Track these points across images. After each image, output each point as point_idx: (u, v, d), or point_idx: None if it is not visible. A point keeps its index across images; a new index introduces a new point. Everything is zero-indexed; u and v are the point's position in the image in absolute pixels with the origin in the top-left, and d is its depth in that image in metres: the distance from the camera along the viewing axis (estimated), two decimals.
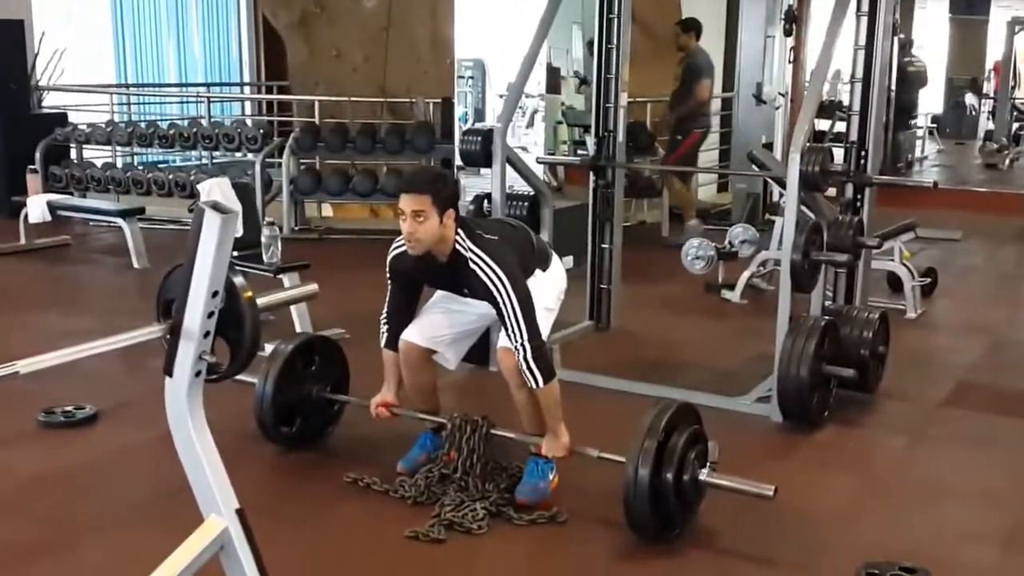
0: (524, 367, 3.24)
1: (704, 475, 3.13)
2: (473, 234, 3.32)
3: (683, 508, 3.15)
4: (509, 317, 3.22)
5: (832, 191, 4.73)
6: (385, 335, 3.57)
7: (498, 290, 3.23)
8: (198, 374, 2.28)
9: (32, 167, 8.24)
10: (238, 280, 2.33)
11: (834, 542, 3.27)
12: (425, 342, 3.54)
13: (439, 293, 3.62)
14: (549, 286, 3.56)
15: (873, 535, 3.33)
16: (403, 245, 3.36)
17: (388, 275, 3.52)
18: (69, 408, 4.18)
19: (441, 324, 3.57)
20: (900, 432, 4.28)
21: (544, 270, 3.58)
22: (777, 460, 3.96)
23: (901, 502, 3.64)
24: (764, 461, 3.92)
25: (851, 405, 4.40)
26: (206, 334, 2.24)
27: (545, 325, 3.42)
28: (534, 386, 3.26)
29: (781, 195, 6.23)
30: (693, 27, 8.22)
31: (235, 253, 2.41)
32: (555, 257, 3.72)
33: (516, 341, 3.23)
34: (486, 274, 3.24)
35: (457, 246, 3.28)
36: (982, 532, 3.41)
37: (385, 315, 3.57)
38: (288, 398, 3.77)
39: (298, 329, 5.11)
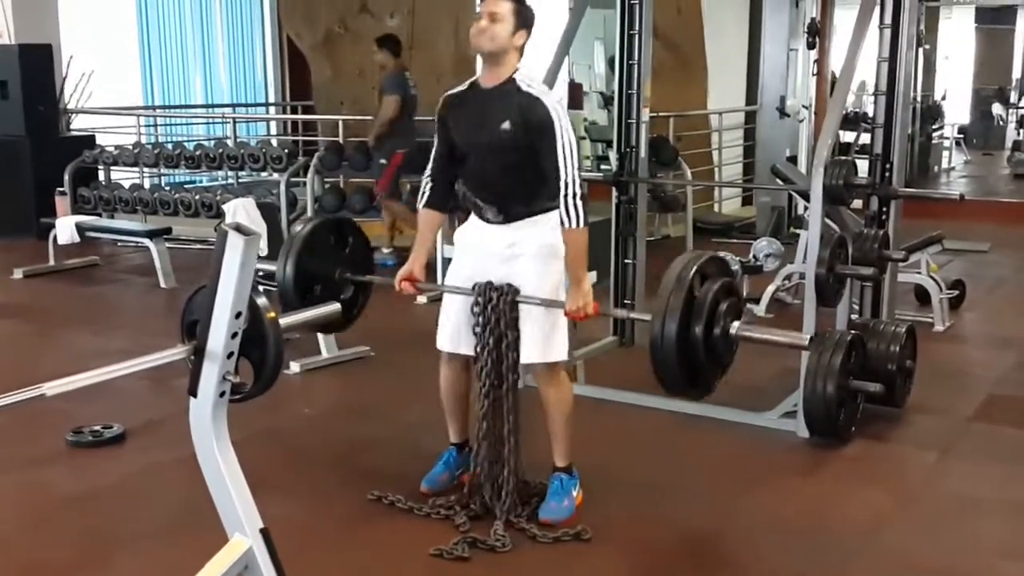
0: (567, 203, 3.18)
1: (735, 329, 2.94)
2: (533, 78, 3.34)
3: (714, 364, 2.99)
4: (563, 148, 3.18)
5: (858, 203, 4.71)
6: (426, 194, 3.49)
7: (558, 117, 3.19)
8: (222, 394, 2.29)
9: (61, 189, 8.34)
10: (261, 301, 2.35)
11: (864, 558, 3.24)
12: (460, 349, 3.45)
13: (447, 297, 3.54)
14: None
15: (903, 551, 3.29)
16: (458, 87, 3.39)
17: (436, 124, 3.47)
18: (97, 428, 4.21)
19: (462, 323, 3.45)
20: (929, 447, 4.24)
21: None
22: (804, 476, 3.93)
23: (931, 518, 3.60)
24: (791, 477, 3.90)
25: (879, 420, 4.36)
26: (230, 355, 2.26)
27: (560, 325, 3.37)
28: (569, 224, 3.20)
29: (806, 208, 6.21)
30: (386, 44, 7.90)
31: (260, 272, 2.42)
32: None
33: (565, 175, 3.18)
34: (548, 100, 3.22)
35: (517, 74, 3.27)
36: (1015, 548, 3.36)
37: (429, 173, 3.50)
38: (310, 278, 3.55)
39: (322, 348, 5.14)
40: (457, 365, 3.53)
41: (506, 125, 3.24)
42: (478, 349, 3.37)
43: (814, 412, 4.08)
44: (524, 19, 3.27)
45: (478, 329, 3.35)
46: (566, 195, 3.19)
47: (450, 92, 3.45)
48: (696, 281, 2.93)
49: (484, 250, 3.39)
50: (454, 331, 3.47)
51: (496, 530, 3.28)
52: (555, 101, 3.24)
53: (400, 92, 7.65)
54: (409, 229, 7.76)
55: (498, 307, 3.30)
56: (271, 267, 3.50)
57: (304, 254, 3.51)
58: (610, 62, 7.18)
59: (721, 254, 6.43)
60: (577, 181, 3.20)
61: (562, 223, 3.22)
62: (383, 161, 7.80)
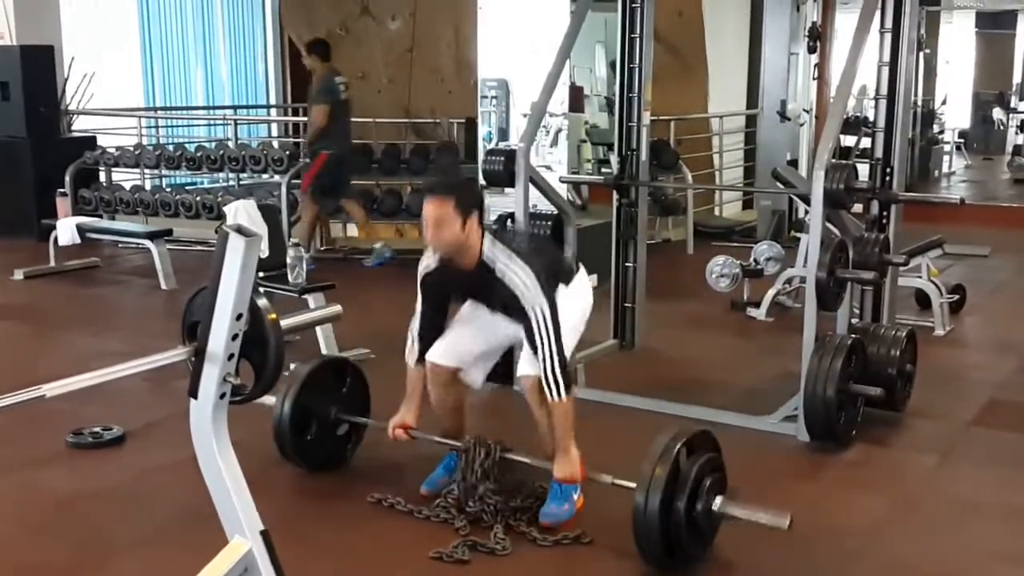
0: (546, 377, 3.23)
1: (718, 505, 3.04)
2: (501, 242, 3.32)
3: (695, 538, 3.06)
4: (537, 327, 3.22)
5: (858, 207, 4.70)
6: (415, 352, 3.55)
7: (525, 297, 3.22)
8: (222, 396, 2.29)
9: (62, 190, 8.34)
10: (262, 302, 2.35)
11: (864, 562, 3.23)
12: (451, 361, 3.53)
13: (465, 310, 3.61)
14: (574, 303, 3.53)
15: (903, 556, 3.29)
16: (431, 264, 3.39)
17: (419, 288, 3.51)
18: (97, 429, 4.21)
19: (467, 342, 3.56)
20: (929, 451, 4.23)
21: (567, 284, 3.54)
22: (804, 480, 3.93)
23: (931, 522, 3.60)
24: (791, 481, 3.90)
25: (879, 424, 4.36)
26: (230, 356, 2.26)
27: (569, 344, 3.40)
28: (553, 398, 3.25)
29: (806, 212, 6.21)
30: (315, 49, 7.90)
31: (260, 274, 2.42)
32: (582, 272, 3.67)
33: (542, 351, 3.22)
34: (512, 281, 3.24)
35: (484, 255, 3.28)
36: (1015, 552, 3.35)
37: (415, 331, 3.55)
38: (307, 420, 3.76)
39: (323, 349, 5.13)
40: (444, 378, 3.55)
41: (493, 303, 3.38)
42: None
43: (814, 416, 4.07)
44: (469, 204, 3.24)
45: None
46: (545, 370, 3.23)
47: (426, 271, 3.46)
48: (682, 454, 3.02)
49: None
50: (450, 347, 3.52)
51: (496, 533, 3.28)
52: (524, 282, 3.23)
53: (328, 99, 7.67)
54: (362, 231, 7.97)
55: (486, 463, 3.42)
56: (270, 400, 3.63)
57: (303, 392, 3.71)
58: (612, 65, 7.16)
59: (721, 259, 6.44)
60: (556, 356, 3.23)
61: (545, 395, 3.27)
62: (307, 160, 7.87)
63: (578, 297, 3.58)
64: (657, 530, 2.97)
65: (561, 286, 3.48)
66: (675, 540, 3.01)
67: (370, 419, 3.85)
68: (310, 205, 7.82)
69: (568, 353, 3.36)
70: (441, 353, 3.53)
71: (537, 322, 3.22)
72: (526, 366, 3.36)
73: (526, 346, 3.34)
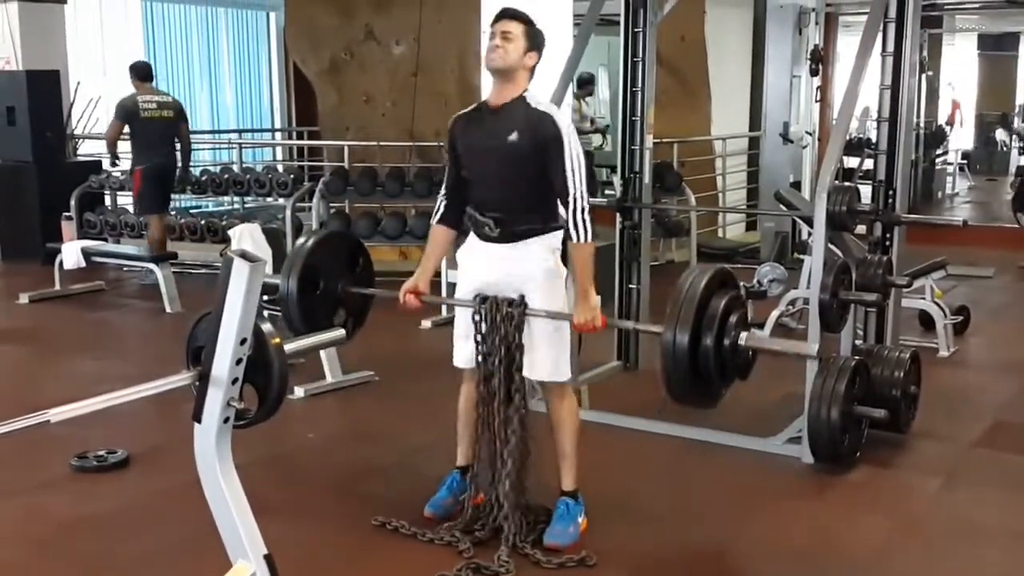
0: (575, 218, 3.24)
1: (744, 339, 3.03)
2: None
3: (723, 374, 3.05)
4: (570, 164, 3.24)
5: (860, 228, 4.71)
6: (440, 211, 3.55)
7: (566, 133, 3.25)
8: (226, 420, 2.30)
9: (67, 214, 8.38)
10: (266, 327, 2.36)
11: None
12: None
13: (458, 314, 3.55)
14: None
15: None
16: (467, 109, 3.46)
17: (447, 149, 3.54)
18: (101, 453, 4.21)
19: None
20: (934, 473, 4.22)
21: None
22: (808, 501, 3.92)
23: (935, 544, 3.59)
24: (795, 503, 3.89)
25: (883, 446, 4.35)
26: (234, 381, 2.27)
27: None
28: (577, 239, 3.25)
29: (809, 234, 6.21)
30: (131, 70, 8.02)
31: (264, 298, 2.44)
32: None
33: (573, 190, 3.23)
34: (555, 117, 3.27)
35: (526, 94, 3.33)
36: (1018, 575, 3.34)
37: (444, 191, 3.55)
38: (314, 295, 3.66)
39: (327, 373, 5.14)
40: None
41: (513, 136, 3.30)
42: (481, 360, 3.38)
43: (818, 438, 4.07)
44: (535, 41, 3.34)
45: (480, 340, 3.36)
46: (574, 210, 3.25)
47: (458, 114, 3.53)
48: (705, 294, 2.99)
49: (487, 267, 3.41)
50: (469, 348, 3.49)
51: (500, 556, 3.27)
52: (564, 118, 3.32)
53: (121, 116, 7.80)
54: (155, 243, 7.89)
55: (508, 319, 3.32)
56: (275, 280, 3.53)
57: (309, 263, 3.62)
58: (579, 84, 7.14)
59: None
60: (585, 196, 3.26)
61: (569, 237, 3.28)
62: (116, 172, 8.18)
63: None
64: (687, 367, 2.95)
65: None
66: (705, 376, 3.01)
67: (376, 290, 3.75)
68: (152, 221, 7.94)
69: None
70: (466, 360, 3.49)
71: (570, 153, 3.24)
72: (543, 370, 3.35)
73: (538, 343, 3.32)
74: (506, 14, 3.34)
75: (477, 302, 3.38)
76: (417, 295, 3.53)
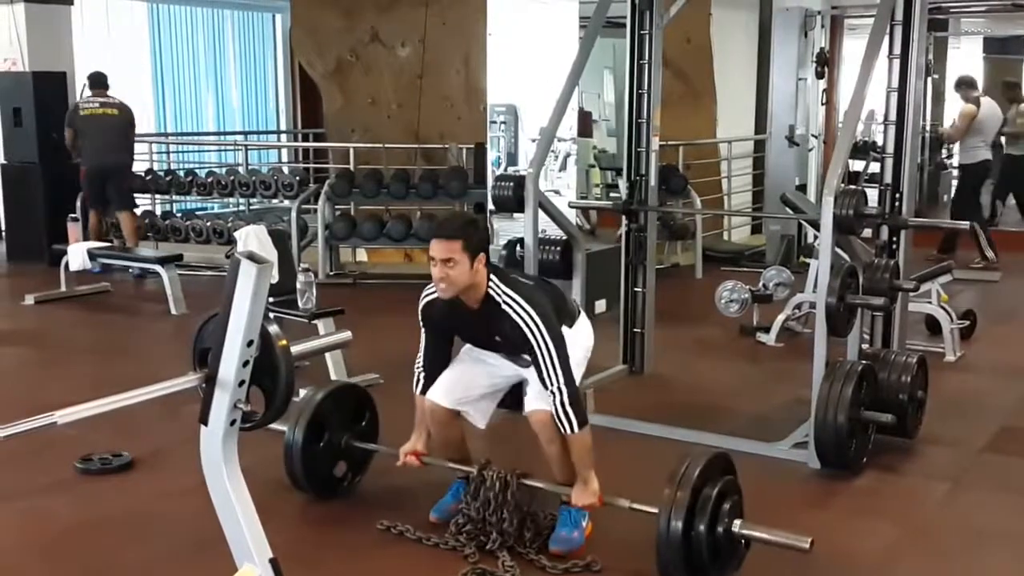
0: (558, 411, 3.21)
1: (738, 527, 3.06)
2: (506, 279, 3.33)
3: (717, 561, 3.07)
4: (544, 360, 3.21)
5: (866, 232, 4.70)
6: (421, 382, 3.56)
7: (533, 332, 3.22)
8: (233, 423, 2.30)
9: (73, 216, 8.39)
10: (273, 329, 2.36)
11: None
12: (451, 403, 3.51)
13: (467, 347, 3.61)
14: (577, 341, 3.52)
15: None
16: (434, 292, 3.36)
17: (421, 322, 3.52)
18: (106, 455, 4.21)
19: (467, 383, 3.54)
20: (941, 479, 4.20)
21: (571, 327, 3.52)
22: (815, 508, 3.90)
23: (943, 550, 3.57)
24: (801, 509, 3.87)
25: (890, 451, 4.33)
26: (241, 383, 2.27)
27: (576, 378, 3.38)
28: (567, 431, 3.23)
29: (815, 237, 6.20)
30: (87, 78, 8.41)
31: (271, 299, 2.43)
32: (583, 315, 3.69)
33: (552, 385, 3.21)
34: (520, 316, 3.23)
35: (490, 290, 3.28)
36: None
37: (420, 362, 3.57)
38: (317, 447, 3.75)
39: (332, 375, 5.13)
40: (443, 417, 3.53)
41: (497, 338, 3.35)
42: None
43: (825, 443, 4.05)
44: (476, 245, 3.23)
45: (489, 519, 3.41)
46: (558, 403, 3.22)
47: (427, 300, 3.45)
48: (700, 480, 3.03)
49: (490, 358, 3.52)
50: (451, 387, 3.51)
51: (504, 561, 3.26)
52: (528, 315, 3.22)
53: (70, 123, 8.25)
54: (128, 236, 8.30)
55: (495, 488, 3.39)
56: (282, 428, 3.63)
57: (316, 418, 3.72)
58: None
59: (731, 284, 6.43)
60: (566, 388, 3.21)
61: (559, 429, 3.26)
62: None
63: (581, 338, 3.57)
64: (680, 554, 2.97)
65: (564, 327, 3.45)
66: (697, 564, 3.01)
67: (380, 446, 3.84)
68: (127, 215, 8.37)
69: (577, 385, 3.34)
70: (442, 393, 3.51)
71: (544, 356, 3.21)
72: (535, 401, 3.34)
73: (534, 381, 3.33)
74: (439, 234, 3.23)
75: (476, 470, 3.44)
76: (417, 456, 3.59)
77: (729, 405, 5.19)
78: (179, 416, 4.33)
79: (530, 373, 3.35)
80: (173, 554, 3.43)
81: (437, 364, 3.54)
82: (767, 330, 6.36)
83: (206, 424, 2.31)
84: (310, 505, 3.81)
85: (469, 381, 3.54)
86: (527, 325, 3.22)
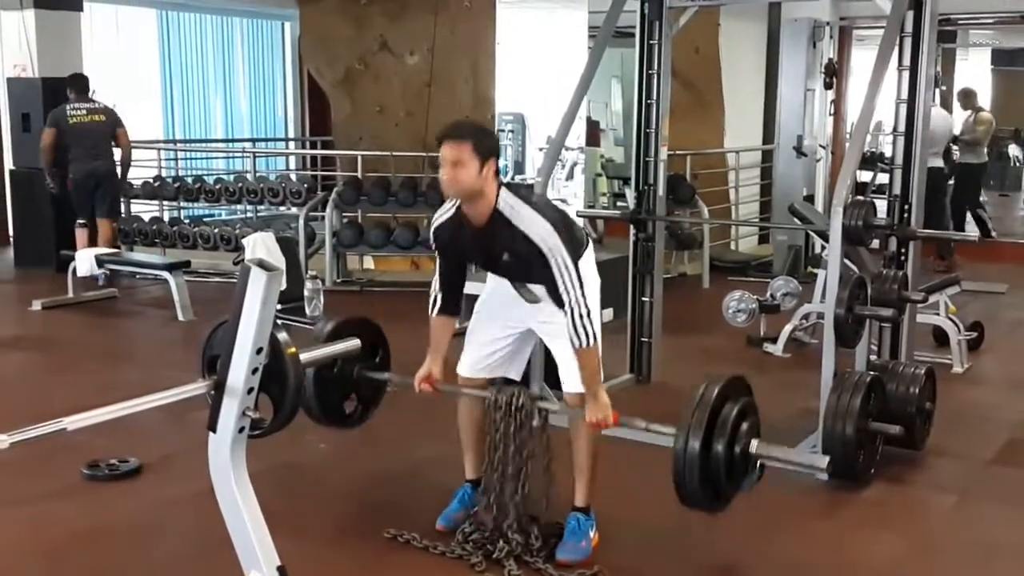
0: (575, 325, 3.16)
1: (755, 447, 3.03)
2: (518, 193, 3.25)
3: (733, 481, 3.05)
4: (559, 274, 3.14)
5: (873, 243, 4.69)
6: (437, 304, 3.47)
7: (546, 246, 3.13)
8: (241, 430, 2.30)
9: (81, 221, 8.40)
10: (282, 336, 2.36)
11: None
12: (482, 372, 3.49)
13: (475, 314, 3.56)
14: (586, 268, 3.42)
15: None
16: (444, 214, 3.34)
17: (433, 246, 3.47)
18: (113, 461, 4.21)
19: (484, 344, 3.51)
20: (949, 490, 4.19)
21: (578, 256, 3.36)
22: (823, 518, 3.89)
23: (951, 563, 3.56)
24: (810, 519, 3.86)
25: (898, 462, 4.32)
26: (250, 390, 2.27)
27: (593, 303, 3.30)
28: (579, 345, 3.18)
29: (823, 247, 6.19)
30: (69, 81, 8.24)
31: (278, 306, 2.43)
32: (590, 245, 3.56)
33: (568, 298, 3.15)
34: (532, 230, 3.15)
35: (500, 205, 3.20)
36: None
37: (435, 285, 3.49)
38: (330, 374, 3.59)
39: None
40: (479, 385, 3.51)
41: (505, 257, 3.26)
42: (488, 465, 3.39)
43: (834, 454, 4.03)
44: (486, 150, 3.17)
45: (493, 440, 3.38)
46: (573, 318, 3.17)
47: (438, 223, 3.40)
48: (719, 401, 3.01)
49: (512, 305, 3.42)
50: (476, 356, 3.49)
51: (511, 570, 3.26)
52: (543, 231, 3.15)
53: (52, 124, 8.03)
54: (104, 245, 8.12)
55: (520, 416, 3.34)
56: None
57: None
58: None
59: (738, 293, 6.43)
60: (581, 303, 3.16)
61: (572, 343, 3.21)
62: (49, 186, 8.23)
63: (589, 276, 3.44)
64: (698, 473, 2.95)
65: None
66: (715, 482, 3.00)
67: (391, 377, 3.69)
68: (106, 224, 8.22)
69: (595, 312, 3.28)
70: (470, 367, 3.49)
71: (559, 268, 3.14)
72: (570, 384, 3.34)
73: (565, 361, 3.31)
74: (448, 136, 3.18)
75: (493, 392, 3.39)
76: (431, 383, 3.50)
77: None
78: (186, 422, 4.33)
79: (539, 311, 3.33)
80: (180, 561, 3.43)
81: (451, 287, 3.46)
82: (774, 340, 6.34)
83: (215, 431, 2.31)
84: (318, 512, 3.81)
85: (485, 342, 3.49)
86: (541, 239, 3.14)
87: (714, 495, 3.04)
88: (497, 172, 3.23)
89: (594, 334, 3.19)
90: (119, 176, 8.30)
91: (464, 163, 3.12)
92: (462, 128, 3.25)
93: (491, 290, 3.53)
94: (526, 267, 3.23)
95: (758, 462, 3.07)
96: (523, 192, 3.30)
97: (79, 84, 8.22)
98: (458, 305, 3.51)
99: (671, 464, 2.98)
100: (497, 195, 3.20)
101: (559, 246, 3.14)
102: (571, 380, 3.34)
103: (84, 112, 8.06)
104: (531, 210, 3.19)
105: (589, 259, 3.48)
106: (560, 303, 3.18)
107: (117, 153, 8.27)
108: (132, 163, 8.57)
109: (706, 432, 2.96)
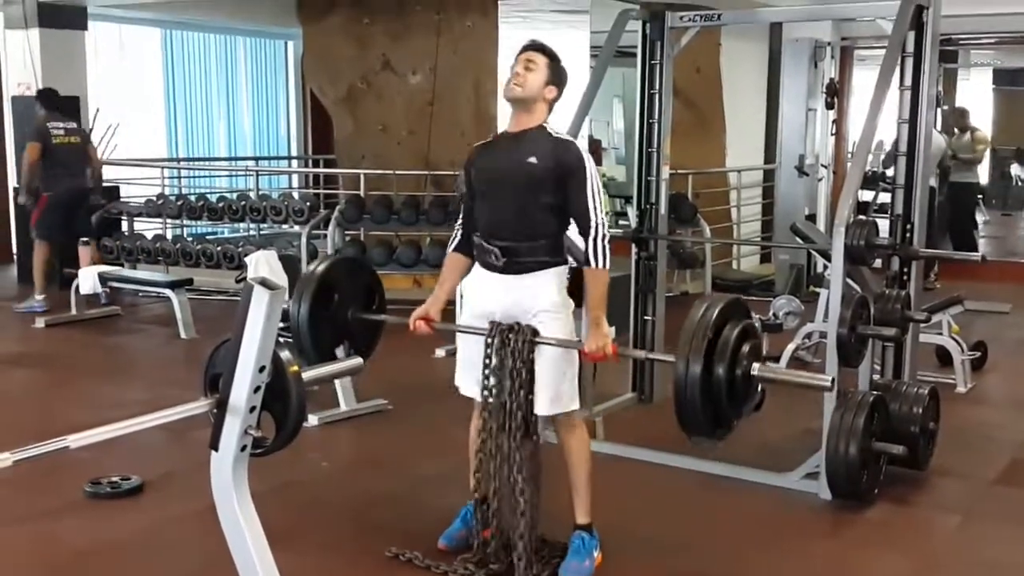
0: (595, 244, 3.25)
1: (756, 370, 3.02)
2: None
3: (735, 404, 3.04)
4: (591, 188, 3.26)
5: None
6: (455, 240, 3.53)
7: (587, 161, 3.28)
8: (243, 449, 2.29)
9: (84, 240, 8.41)
10: (284, 355, 2.36)
11: None
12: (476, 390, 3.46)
13: (463, 345, 3.51)
14: None
15: None
16: (484, 141, 3.50)
17: (463, 178, 3.55)
18: (115, 479, 4.20)
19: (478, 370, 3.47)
20: (953, 511, 4.18)
21: None
22: (826, 539, 3.88)
23: None
24: (813, 539, 3.85)
25: (902, 482, 4.31)
26: (252, 409, 2.27)
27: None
28: (595, 265, 3.26)
29: (825, 267, 6.20)
30: (38, 96, 8.18)
31: (281, 325, 2.43)
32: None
33: (595, 217, 3.26)
34: (576, 147, 3.32)
35: (547, 124, 3.36)
36: None
37: (460, 220, 3.54)
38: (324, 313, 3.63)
39: (341, 401, 5.13)
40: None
41: (532, 159, 3.29)
42: (486, 393, 3.34)
43: (837, 474, 4.03)
44: (558, 76, 3.37)
45: (488, 373, 3.31)
46: (595, 236, 3.26)
47: (479, 143, 3.57)
48: (718, 323, 2.99)
49: (492, 297, 3.39)
50: (467, 368, 3.47)
51: None
52: (584, 148, 3.36)
53: (37, 139, 7.89)
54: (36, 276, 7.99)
55: (516, 347, 3.28)
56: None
57: (320, 290, 3.59)
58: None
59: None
60: (605, 224, 3.28)
61: (588, 263, 3.28)
62: (22, 202, 8.13)
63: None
64: (699, 396, 2.94)
65: None
66: (717, 406, 2.99)
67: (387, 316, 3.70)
68: (39, 247, 8.04)
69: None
70: (472, 386, 3.45)
71: (591, 183, 3.26)
72: (552, 404, 3.31)
73: (544, 382, 3.28)
74: (532, 46, 3.38)
75: (489, 327, 3.34)
76: (428, 322, 3.49)
77: (739, 435, 5.10)
78: (188, 441, 4.32)
79: (540, 319, 3.30)
80: None
81: (473, 223, 3.48)
82: (777, 359, 6.33)
83: (217, 449, 2.31)
84: (319, 531, 3.80)
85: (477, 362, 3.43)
86: (581, 153, 3.29)
87: (715, 420, 3.03)
88: (552, 104, 3.40)
89: (609, 257, 3.29)
90: (96, 191, 8.29)
91: (538, 68, 3.31)
92: (547, 47, 3.41)
93: (467, 308, 3.51)
94: (549, 175, 3.28)
95: (759, 385, 3.05)
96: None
97: (56, 102, 8.13)
98: (473, 246, 3.52)
99: (672, 389, 2.98)
100: (546, 120, 3.37)
101: (593, 163, 3.31)
102: (551, 400, 3.31)
103: (63, 132, 7.97)
104: (573, 139, 3.40)
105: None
106: (587, 219, 3.27)
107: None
108: (129, 181, 8.55)
109: (706, 355, 2.95)
